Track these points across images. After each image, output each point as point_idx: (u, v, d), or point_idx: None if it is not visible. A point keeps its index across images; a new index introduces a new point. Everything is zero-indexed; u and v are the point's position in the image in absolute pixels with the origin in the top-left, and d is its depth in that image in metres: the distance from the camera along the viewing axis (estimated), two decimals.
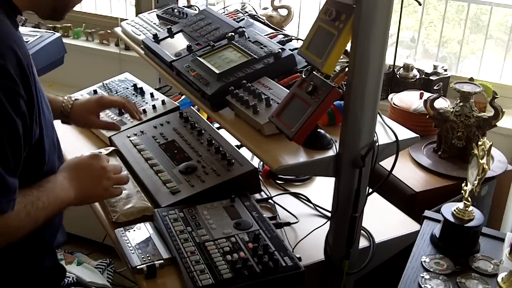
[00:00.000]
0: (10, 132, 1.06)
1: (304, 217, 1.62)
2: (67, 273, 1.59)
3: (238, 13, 1.90)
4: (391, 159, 1.31)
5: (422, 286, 1.21)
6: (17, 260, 1.27)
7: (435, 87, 1.95)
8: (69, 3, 1.24)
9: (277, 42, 1.58)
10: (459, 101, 1.86)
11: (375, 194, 1.53)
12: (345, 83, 1.24)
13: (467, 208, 1.33)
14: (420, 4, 2.12)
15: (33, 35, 2.20)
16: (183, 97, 2.16)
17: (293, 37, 1.66)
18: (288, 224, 1.56)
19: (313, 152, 1.27)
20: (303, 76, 1.28)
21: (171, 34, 1.75)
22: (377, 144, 1.28)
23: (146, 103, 2.00)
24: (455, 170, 1.83)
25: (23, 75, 1.07)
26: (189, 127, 1.82)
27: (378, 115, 1.29)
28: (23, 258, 1.29)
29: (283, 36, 1.67)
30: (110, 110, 1.98)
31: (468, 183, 1.34)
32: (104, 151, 1.78)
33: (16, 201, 1.11)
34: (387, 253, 1.53)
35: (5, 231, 1.11)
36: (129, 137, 1.82)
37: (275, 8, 2.29)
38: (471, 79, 2.08)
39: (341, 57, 1.25)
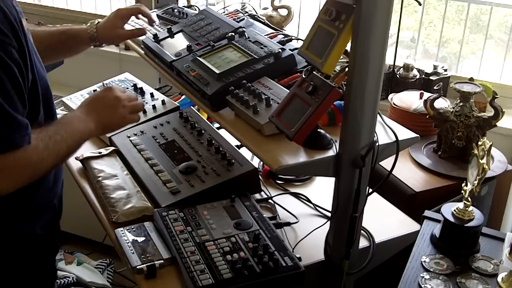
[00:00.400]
0: (11, 77, 1.13)
1: (304, 217, 1.62)
2: (67, 273, 1.60)
3: (238, 13, 1.90)
4: (391, 159, 1.31)
5: (422, 286, 1.21)
6: (8, 223, 1.32)
7: (435, 87, 1.95)
8: None
9: (277, 42, 1.58)
10: (459, 101, 1.86)
11: (375, 194, 1.53)
12: (345, 83, 1.24)
13: (467, 208, 1.33)
14: (420, 4, 2.12)
15: None
16: (183, 97, 2.16)
17: (293, 37, 1.66)
18: (288, 224, 1.56)
19: (313, 152, 1.27)
20: (303, 76, 1.28)
21: (171, 34, 1.75)
22: (377, 144, 1.28)
23: (146, 103, 2.00)
24: (455, 170, 1.83)
25: (12, 27, 1.14)
26: (189, 127, 1.82)
27: (378, 115, 1.29)
28: (14, 220, 1.32)
29: (283, 36, 1.67)
30: None
31: (468, 183, 1.34)
32: (104, 151, 1.78)
33: (31, 136, 1.17)
34: (387, 253, 1.53)
35: (27, 163, 1.17)
36: (129, 137, 1.82)
37: (275, 8, 2.29)
38: (471, 79, 2.08)
39: (341, 57, 1.25)
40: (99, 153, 1.77)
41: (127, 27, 1.74)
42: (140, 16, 1.76)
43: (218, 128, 1.85)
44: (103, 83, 2.17)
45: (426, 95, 2.03)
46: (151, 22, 1.78)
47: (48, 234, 1.44)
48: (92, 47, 1.71)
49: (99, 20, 1.71)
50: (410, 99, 2.09)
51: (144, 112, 1.95)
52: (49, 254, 1.49)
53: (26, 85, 1.19)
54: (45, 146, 1.21)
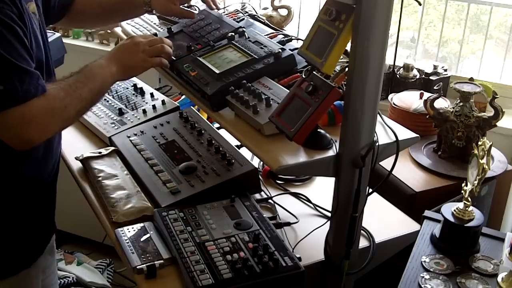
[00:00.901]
0: (16, 36, 1.21)
1: (304, 217, 1.62)
2: (67, 273, 1.62)
3: (238, 13, 1.89)
4: (391, 159, 1.31)
5: (422, 286, 1.21)
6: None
7: (435, 87, 1.95)
8: None
9: (277, 42, 1.58)
10: (459, 101, 1.86)
11: (375, 194, 1.53)
12: (345, 83, 1.24)
13: (467, 208, 1.33)
14: (420, 4, 2.12)
15: None
16: (183, 97, 2.16)
17: (293, 37, 1.66)
18: (288, 224, 1.56)
19: (313, 152, 1.27)
20: (303, 76, 1.28)
21: (171, 34, 1.75)
22: (377, 144, 1.28)
23: (146, 103, 2.00)
24: (455, 170, 1.83)
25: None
26: (189, 127, 1.82)
27: (378, 115, 1.29)
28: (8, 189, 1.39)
29: (283, 36, 1.67)
30: (110, 110, 1.99)
31: (468, 183, 1.34)
32: (104, 151, 1.78)
33: (46, 86, 1.24)
34: (387, 253, 1.53)
35: (52, 111, 1.24)
36: (129, 137, 1.82)
37: (275, 8, 2.29)
38: (471, 79, 2.08)
39: (341, 57, 1.24)
40: (99, 153, 1.77)
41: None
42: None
43: (218, 128, 1.85)
44: None
45: (426, 95, 2.03)
46: (211, 6, 1.79)
47: (39, 213, 1.47)
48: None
49: None
50: (410, 99, 2.09)
51: (144, 112, 1.95)
52: (41, 236, 1.53)
53: (31, 47, 1.27)
54: (66, 93, 1.28)
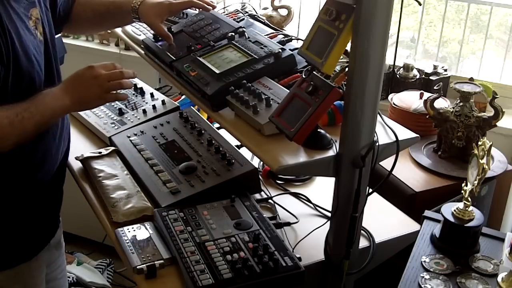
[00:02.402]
0: None
1: (304, 217, 1.62)
2: (67, 273, 1.62)
3: (238, 13, 1.89)
4: (391, 159, 1.31)
5: (422, 286, 1.21)
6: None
7: (435, 87, 1.95)
8: None
9: (277, 42, 1.58)
10: (459, 101, 1.86)
11: (375, 194, 1.53)
12: (345, 83, 1.24)
13: (467, 208, 1.33)
14: (420, 4, 2.12)
15: None
16: (183, 97, 2.16)
17: (293, 37, 1.66)
18: (288, 224, 1.56)
19: (313, 152, 1.27)
20: (303, 76, 1.28)
21: (171, 34, 1.75)
22: (377, 144, 1.28)
23: (146, 103, 2.00)
24: (455, 170, 1.83)
25: None
26: (189, 127, 1.82)
27: (378, 115, 1.29)
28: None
29: (283, 36, 1.67)
30: (110, 110, 1.99)
31: (468, 183, 1.34)
32: (104, 151, 1.78)
33: None
34: (387, 253, 1.53)
35: None
36: (129, 137, 1.83)
37: (275, 8, 2.29)
38: (471, 79, 2.08)
39: (341, 57, 1.24)
40: (99, 153, 1.77)
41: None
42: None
43: (218, 128, 1.85)
44: None
45: (426, 95, 2.03)
46: (207, 9, 1.74)
47: (39, 209, 1.49)
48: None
49: None
50: (410, 99, 2.09)
51: (144, 112, 1.95)
52: (43, 230, 1.54)
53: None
54: (9, 122, 1.25)
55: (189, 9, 2.00)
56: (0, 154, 1.29)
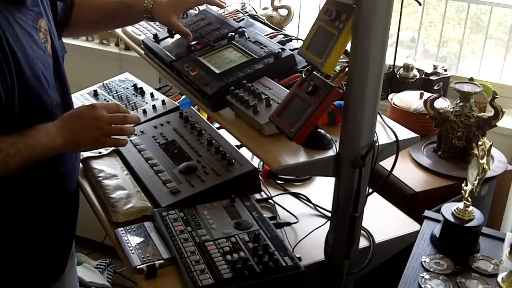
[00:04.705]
0: None
1: (304, 217, 1.62)
2: None
3: (238, 13, 1.89)
4: (391, 159, 1.31)
5: (422, 286, 1.21)
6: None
7: (435, 87, 1.95)
8: None
9: (277, 42, 1.58)
10: (459, 101, 1.86)
11: (375, 194, 1.53)
12: (345, 83, 1.24)
13: (467, 208, 1.33)
14: (420, 4, 2.12)
15: None
16: (183, 97, 2.16)
17: (293, 37, 1.66)
18: (288, 224, 1.56)
19: (313, 152, 1.27)
20: (303, 76, 1.28)
21: (171, 34, 1.75)
22: (377, 144, 1.28)
23: (146, 103, 2.00)
24: (455, 170, 1.83)
25: None
26: (189, 127, 1.82)
27: (378, 115, 1.29)
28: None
29: (283, 36, 1.67)
30: None
31: (468, 183, 1.34)
32: (104, 151, 1.78)
33: None
34: (387, 253, 1.53)
35: None
36: (129, 137, 1.82)
37: (275, 8, 2.29)
38: (471, 79, 2.08)
39: (341, 57, 1.24)
40: (99, 153, 1.77)
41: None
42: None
43: (218, 128, 1.85)
44: (103, 83, 2.17)
45: (426, 95, 2.03)
46: (220, 5, 1.71)
47: (58, 233, 1.45)
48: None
49: None
50: (410, 99, 2.09)
51: (144, 112, 1.95)
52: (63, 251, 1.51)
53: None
54: None
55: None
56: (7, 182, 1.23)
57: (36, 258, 1.41)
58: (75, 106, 1.92)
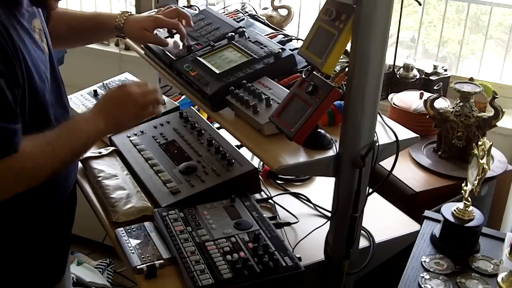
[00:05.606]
0: None
1: (304, 217, 1.62)
2: None
3: (238, 13, 1.89)
4: (391, 159, 1.31)
5: (422, 286, 1.21)
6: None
7: (435, 87, 1.95)
8: None
9: (277, 42, 1.58)
10: (459, 101, 1.86)
11: (375, 194, 1.53)
12: (345, 83, 1.24)
13: (467, 208, 1.33)
14: (420, 4, 2.12)
15: None
16: (183, 97, 2.16)
17: (293, 37, 1.66)
18: (288, 224, 1.56)
19: (313, 152, 1.27)
20: (303, 76, 1.28)
21: (171, 34, 1.74)
22: (377, 144, 1.28)
23: None
24: (455, 170, 1.83)
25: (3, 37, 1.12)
26: (189, 127, 1.82)
27: (378, 115, 1.29)
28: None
29: (283, 36, 1.67)
30: None
31: (468, 183, 1.34)
32: (104, 151, 1.78)
33: (22, 143, 1.15)
34: (387, 253, 1.53)
35: (20, 170, 1.16)
36: (129, 137, 1.83)
37: (275, 8, 2.29)
38: (471, 79, 2.08)
39: (341, 57, 1.24)
40: (99, 153, 1.77)
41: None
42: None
43: (218, 128, 1.85)
44: (103, 83, 2.16)
45: (426, 95, 2.03)
46: (182, 39, 1.69)
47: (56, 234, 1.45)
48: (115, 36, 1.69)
49: (132, 13, 1.69)
50: (410, 99, 2.09)
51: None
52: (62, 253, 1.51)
53: (16, 95, 1.17)
54: (41, 152, 1.19)
55: (189, 9, 2.00)
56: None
57: (37, 260, 1.40)
58: (75, 106, 1.95)
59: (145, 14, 1.74)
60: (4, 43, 1.13)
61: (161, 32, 1.80)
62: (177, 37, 1.71)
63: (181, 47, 1.68)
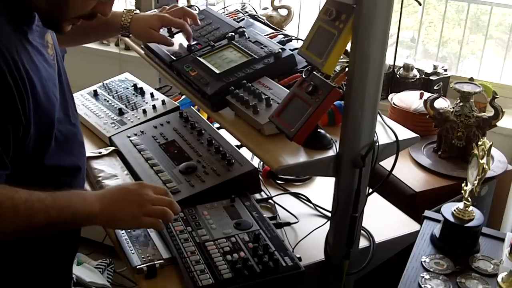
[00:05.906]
0: None
1: (304, 217, 1.62)
2: None
3: (238, 13, 1.90)
4: (391, 159, 1.31)
5: (422, 286, 1.21)
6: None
7: (435, 87, 1.95)
8: (64, 13, 1.17)
9: (277, 42, 1.58)
10: (459, 101, 1.86)
11: (375, 194, 1.52)
12: (345, 83, 1.24)
13: (467, 208, 1.33)
14: (420, 4, 2.12)
15: None
16: (183, 97, 2.16)
17: (293, 37, 1.66)
18: (288, 224, 1.56)
19: (313, 152, 1.27)
20: (303, 76, 1.28)
21: (171, 34, 1.75)
22: (377, 144, 1.28)
23: (146, 103, 2.00)
24: (455, 170, 1.83)
25: (7, 65, 1.06)
26: (189, 127, 1.82)
27: (378, 115, 1.29)
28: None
29: (283, 36, 1.67)
30: (110, 110, 1.98)
31: (468, 183, 1.34)
32: (104, 151, 1.78)
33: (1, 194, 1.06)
34: (387, 253, 1.53)
35: None
36: (129, 137, 1.82)
37: (275, 8, 2.29)
38: (471, 79, 2.08)
39: (341, 57, 1.25)
40: (99, 153, 1.77)
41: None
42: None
43: (218, 128, 1.85)
44: (103, 83, 2.17)
45: (426, 95, 2.03)
46: (189, 38, 1.68)
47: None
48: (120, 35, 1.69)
49: (138, 11, 1.68)
50: (410, 99, 2.09)
51: (144, 112, 1.95)
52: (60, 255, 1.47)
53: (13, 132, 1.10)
54: (12, 206, 1.07)
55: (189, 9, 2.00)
56: None
57: (45, 267, 1.37)
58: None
59: (149, 12, 1.73)
60: (14, 73, 1.08)
61: (161, 32, 1.80)
62: (180, 36, 1.71)
63: (186, 47, 1.68)
